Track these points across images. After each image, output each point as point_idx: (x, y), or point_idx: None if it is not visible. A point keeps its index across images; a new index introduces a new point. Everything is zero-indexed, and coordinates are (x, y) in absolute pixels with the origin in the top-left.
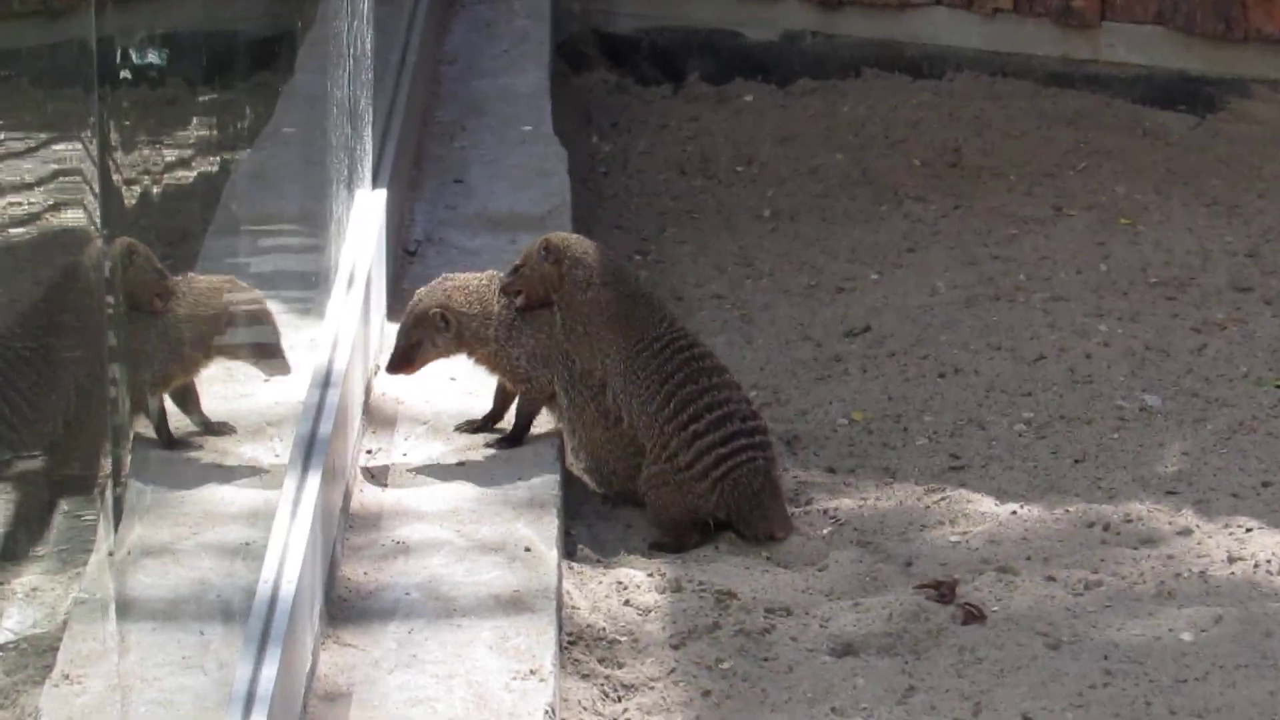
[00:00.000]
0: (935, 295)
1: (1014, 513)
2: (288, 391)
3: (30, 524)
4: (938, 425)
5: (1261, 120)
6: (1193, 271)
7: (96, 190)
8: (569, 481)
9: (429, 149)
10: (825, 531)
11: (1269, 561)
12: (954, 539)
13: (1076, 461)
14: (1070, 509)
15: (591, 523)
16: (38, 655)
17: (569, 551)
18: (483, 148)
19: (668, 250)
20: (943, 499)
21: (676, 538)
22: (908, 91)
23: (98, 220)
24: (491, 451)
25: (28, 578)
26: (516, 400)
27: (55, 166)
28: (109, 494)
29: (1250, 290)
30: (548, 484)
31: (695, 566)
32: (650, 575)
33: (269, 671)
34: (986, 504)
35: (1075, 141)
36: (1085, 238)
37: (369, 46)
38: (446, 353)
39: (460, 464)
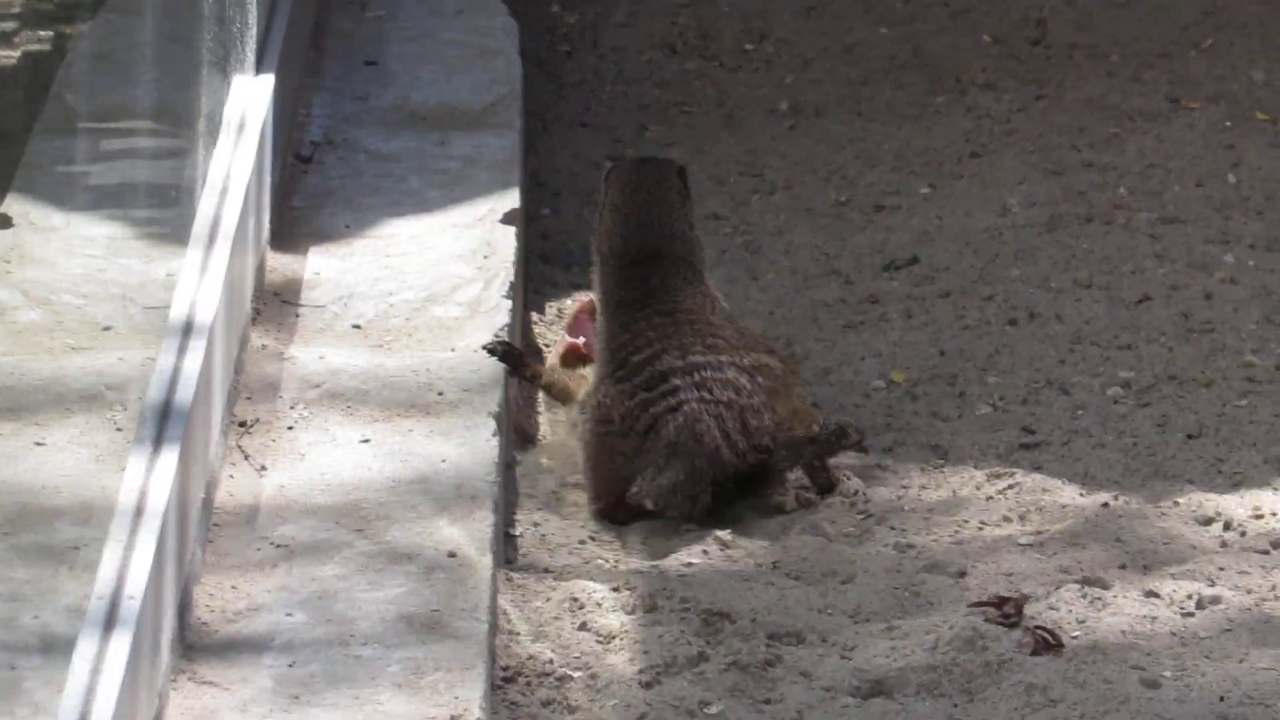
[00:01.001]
0: (1007, 215)
1: (1105, 505)
2: (133, 346)
3: None
4: (1006, 389)
5: None
6: None
7: None
8: (511, 464)
9: (331, 21)
10: (851, 530)
11: None
12: (1024, 541)
13: (1190, 437)
14: (1181, 500)
15: (540, 520)
16: None
17: (508, 558)
18: (404, 19)
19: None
20: (1010, 487)
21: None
22: None
23: None
24: (409, 424)
25: None
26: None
27: None
28: None
29: None
30: (482, 467)
31: (677, 579)
32: (616, 590)
33: None
34: (1069, 493)
35: (1198, 10)
36: (1209, 139)
37: None
38: None
39: (365, 441)
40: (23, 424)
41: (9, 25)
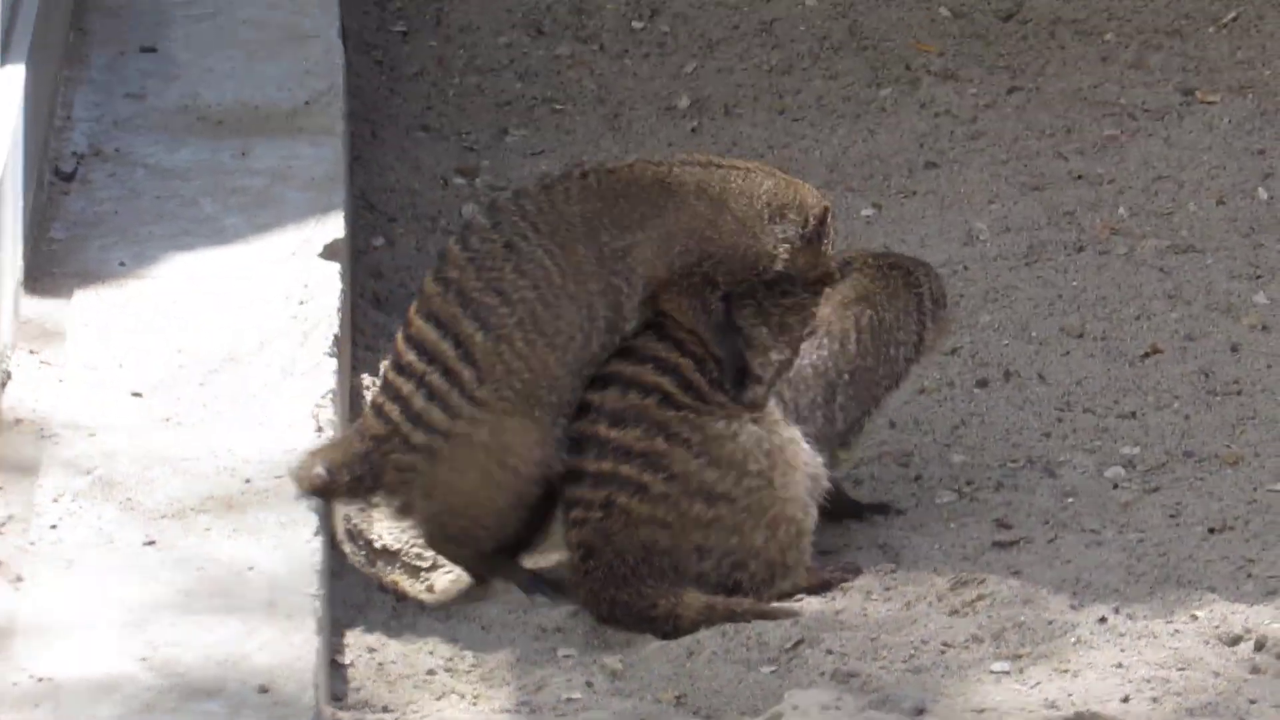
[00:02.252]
0: (973, 243)
1: (1103, 620)
2: None
3: None
4: (975, 470)
5: None
6: None
7: None
8: (338, 570)
9: None
10: (778, 653)
11: None
12: (999, 667)
13: (1212, 531)
14: (1200, 613)
15: (376, 643)
16: None
17: (335, 694)
18: None
19: (510, 166)
20: (981, 598)
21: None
22: None
23: None
24: (205, 521)
25: None
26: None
27: None
28: None
29: None
30: (300, 576)
31: (553, 718)
32: None
33: None
34: (1056, 605)
35: None
36: (1233, 141)
37: None
38: None
39: (150, 543)
40: None
41: None
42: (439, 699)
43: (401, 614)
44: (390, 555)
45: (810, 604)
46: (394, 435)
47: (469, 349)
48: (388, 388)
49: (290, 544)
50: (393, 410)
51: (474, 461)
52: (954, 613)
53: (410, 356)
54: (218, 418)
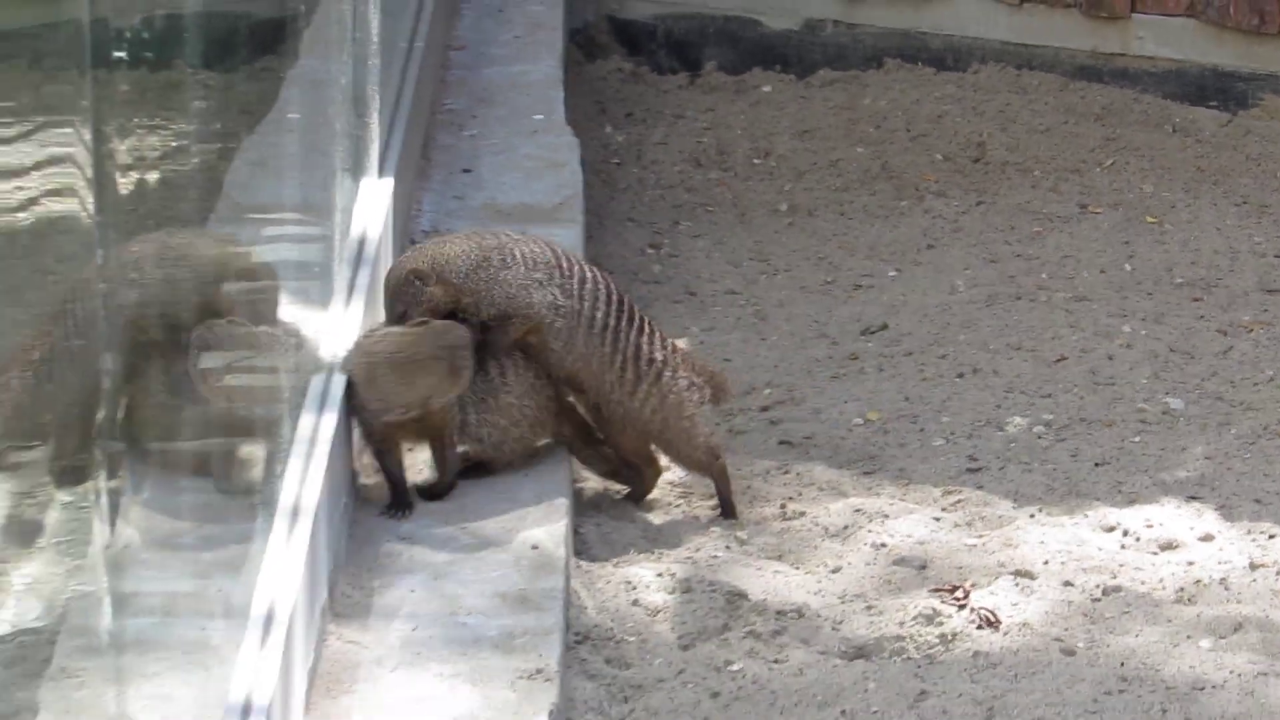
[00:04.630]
0: (954, 294)
1: (1032, 516)
2: (288, 373)
3: (29, 515)
4: (955, 426)
5: None
6: (1219, 272)
7: (89, 176)
8: (578, 479)
9: (437, 138)
10: (839, 531)
11: None
12: (970, 542)
13: (1097, 465)
14: (1089, 513)
15: (601, 522)
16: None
17: (577, 550)
18: (493, 137)
19: (681, 244)
20: (959, 502)
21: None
22: (931, 84)
23: (90, 207)
24: None
25: (27, 569)
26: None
27: (48, 152)
28: (103, 486)
29: (1278, 292)
30: (557, 481)
31: (705, 567)
32: (659, 575)
33: (270, 666)
34: (1004, 507)
35: (1102, 137)
36: (1110, 236)
37: (375, 31)
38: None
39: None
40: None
41: (187, 140)
42: (638, 555)
43: (619, 506)
44: None
45: (855, 502)
46: None
47: None
48: None
49: (551, 461)
50: None
51: None
52: (944, 510)
53: None
54: None
